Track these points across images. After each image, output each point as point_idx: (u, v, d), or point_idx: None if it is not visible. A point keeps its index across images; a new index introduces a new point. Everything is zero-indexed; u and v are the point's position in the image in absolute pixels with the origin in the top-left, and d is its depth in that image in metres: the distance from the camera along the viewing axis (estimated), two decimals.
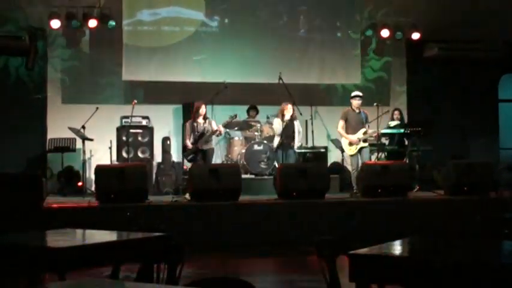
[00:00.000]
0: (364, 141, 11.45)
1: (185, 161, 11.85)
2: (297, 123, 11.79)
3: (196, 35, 13.93)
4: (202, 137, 11.26)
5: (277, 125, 11.66)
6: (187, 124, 11.46)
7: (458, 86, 14.95)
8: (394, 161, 11.76)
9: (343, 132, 11.53)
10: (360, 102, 11.52)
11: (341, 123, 11.55)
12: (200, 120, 11.37)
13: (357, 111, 11.55)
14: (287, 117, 11.57)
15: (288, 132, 11.58)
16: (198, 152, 11.28)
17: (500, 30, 14.24)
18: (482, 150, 14.70)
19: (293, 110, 11.64)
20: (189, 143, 11.28)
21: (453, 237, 8.44)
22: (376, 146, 12.34)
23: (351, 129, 11.48)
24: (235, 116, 12.00)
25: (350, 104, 11.67)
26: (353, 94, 11.65)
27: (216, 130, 11.27)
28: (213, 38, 13.97)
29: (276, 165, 11.98)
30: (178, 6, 13.85)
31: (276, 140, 11.72)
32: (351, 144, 11.43)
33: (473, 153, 14.70)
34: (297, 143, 11.82)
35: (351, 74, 14.51)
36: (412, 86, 15.06)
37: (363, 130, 11.42)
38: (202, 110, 11.34)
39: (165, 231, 5.22)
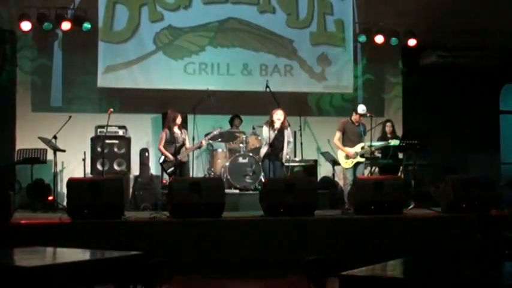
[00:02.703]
0: (361, 156, 11.55)
1: (164, 174, 11.84)
2: (287, 133, 11.76)
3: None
4: (181, 148, 11.37)
5: (266, 133, 11.61)
6: (164, 133, 11.54)
7: (457, 96, 15.02)
8: (388, 176, 11.79)
9: (339, 144, 11.62)
10: (362, 118, 11.64)
11: (338, 134, 11.65)
12: (176, 130, 11.46)
13: (356, 123, 11.67)
14: (277, 124, 11.52)
15: (277, 141, 11.57)
16: (178, 164, 11.38)
17: (501, 38, 14.34)
18: (482, 164, 14.74)
19: (284, 117, 11.62)
20: (167, 153, 11.35)
21: (451, 257, 8.44)
22: (369, 159, 12.38)
23: (347, 141, 11.61)
24: (220, 129, 12.05)
25: (350, 116, 11.77)
26: (360, 110, 11.60)
27: (198, 144, 11.42)
28: (196, 42, 13.99)
29: (262, 179, 11.98)
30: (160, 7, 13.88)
31: (264, 149, 11.68)
32: (347, 157, 11.52)
33: (472, 168, 14.75)
34: (285, 154, 11.79)
35: (342, 82, 14.54)
36: (408, 96, 15.12)
37: (361, 144, 11.55)
38: (179, 119, 11.48)
39: (143, 250, 5.21)
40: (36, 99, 13.65)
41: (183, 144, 11.53)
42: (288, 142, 11.77)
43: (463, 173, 13.75)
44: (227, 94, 13.65)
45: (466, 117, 15.02)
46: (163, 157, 11.55)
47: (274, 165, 11.51)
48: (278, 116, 11.52)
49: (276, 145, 11.56)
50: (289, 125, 11.95)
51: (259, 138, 12.75)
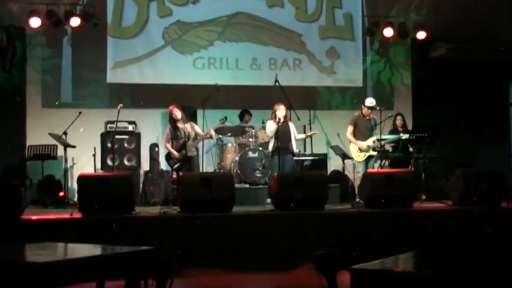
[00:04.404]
0: (373, 149, 11.64)
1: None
2: (292, 125, 11.69)
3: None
4: (187, 143, 11.30)
5: (271, 127, 11.57)
6: (168, 129, 11.53)
7: (466, 89, 14.97)
8: (398, 170, 11.78)
9: (352, 138, 11.73)
10: (371, 111, 11.71)
11: (350, 128, 11.79)
12: (179, 125, 11.40)
13: (367, 117, 11.76)
14: (282, 119, 11.49)
15: (283, 135, 11.52)
16: (185, 160, 11.33)
17: (511, 30, 14.27)
18: (492, 157, 14.71)
19: (286, 111, 11.56)
20: (172, 150, 11.33)
21: (462, 250, 8.42)
22: (379, 153, 12.37)
23: (359, 135, 11.76)
24: (225, 118, 11.89)
25: (361, 110, 11.86)
26: (367, 103, 11.72)
27: (207, 134, 11.35)
28: (205, 37, 13.98)
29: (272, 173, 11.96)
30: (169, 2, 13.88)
31: (271, 144, 11.63)
32: (359, 150, 11.61)
33: (482, 160, 14.72)
34: (295, 146, 11.74)
35: (351, 76, 14.53)
36: (417, 89, 15.08)
37: (373, 138, 11.63)
38: (175, 114, 11.40)
39: (153, 245, 5.21)
40: (46, 96, 13.68)
41: (189, 138, 11.40)
42: (295, 135, 11.70)
43: (473, 166, 13.73)
44: (236, 89, 13.65)
45: (476, 110, 14.97)
46: (165, 152, 11.59)
47: (284, 159, 11.42)
48: (281, 111, 11.45)
49: (284, 138, 11.48)
50: (298, 119, 11.98)
51: (266, 130, 12.69)
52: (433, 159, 12.73)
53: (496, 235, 9.29)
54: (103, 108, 13.55)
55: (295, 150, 11.82)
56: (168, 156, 11.55)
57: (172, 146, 11.45)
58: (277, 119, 11.38)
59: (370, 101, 11.81)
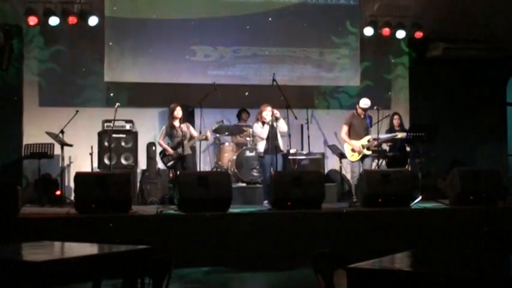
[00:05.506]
0: (368, 148, 11.58)
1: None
2: (282, 123, 11.56)
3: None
4: (183, 142, 11.28)
5: (259, 129, 11.49)
6: (164, 126, 11.54)
7: (463, 88, 14.98)
8: (395, 169, 11.78)
9: (346, 138, 11.68)
10: (366, 111, 11.69)
11: (345, 128, 11.71)
12: (176, 123, 11.39)
13: (362, 116, 11.73)
14: (268, 119, 11.37)
15: (272, 135, 11.42)
16: (179, 158, 11.32)
17: (508, 29, 14.28)
18: (489, 156, 14.73)
19: (272, 111, 11.48)
20: (167, 147, 11.32)
21: (458, 250, 8.43)
22: (376, 152, 12.38)
23: (354, 134, 11.68)
24: (222, 122, 11.87)
25: (356, 109, 11.80)
26: (362, 104, 11.66)
27: (203, 135, 11.32)
28: (202, 36, 13.97)
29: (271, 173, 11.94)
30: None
31: (262, 145, 11.51)
32: (354, 150, 11.55)
33: (479, 159, 14.73)
34: (281, 143, 11.66)
35: (349, 75, 14.53)
36: (415, 88, 15.08)
37: (367, 137, 11.59)
38: (177, 112, 11.39)
39: (150, 244, 5.21)
40: (43, 94, 13.66)
41: (184, 137, 11.39)
42: (281, 135, 11.60)
43: (470, 165, 13.74)
44: (233, 87, 13.62)
45: (473, 109, 14.98)
46: (160, 150, 11.60)
47: (276, 158, 11.35)
48: (268, 112, 11.38)
49: (272, 138, 11.39)
50: (296, 118, 11.96)
51: (255, 132, 12.57)
52: (430, 159, 12.73)
53: (493, 234, 9.29)
54: (100, 107, 13.54)
55: (282, 148, 11.76)
56: (163, 154, 11.56)
57: (168, 144, 11.45)
58: (267, 121, 11.30)
59: (364, 102, 11.74)
